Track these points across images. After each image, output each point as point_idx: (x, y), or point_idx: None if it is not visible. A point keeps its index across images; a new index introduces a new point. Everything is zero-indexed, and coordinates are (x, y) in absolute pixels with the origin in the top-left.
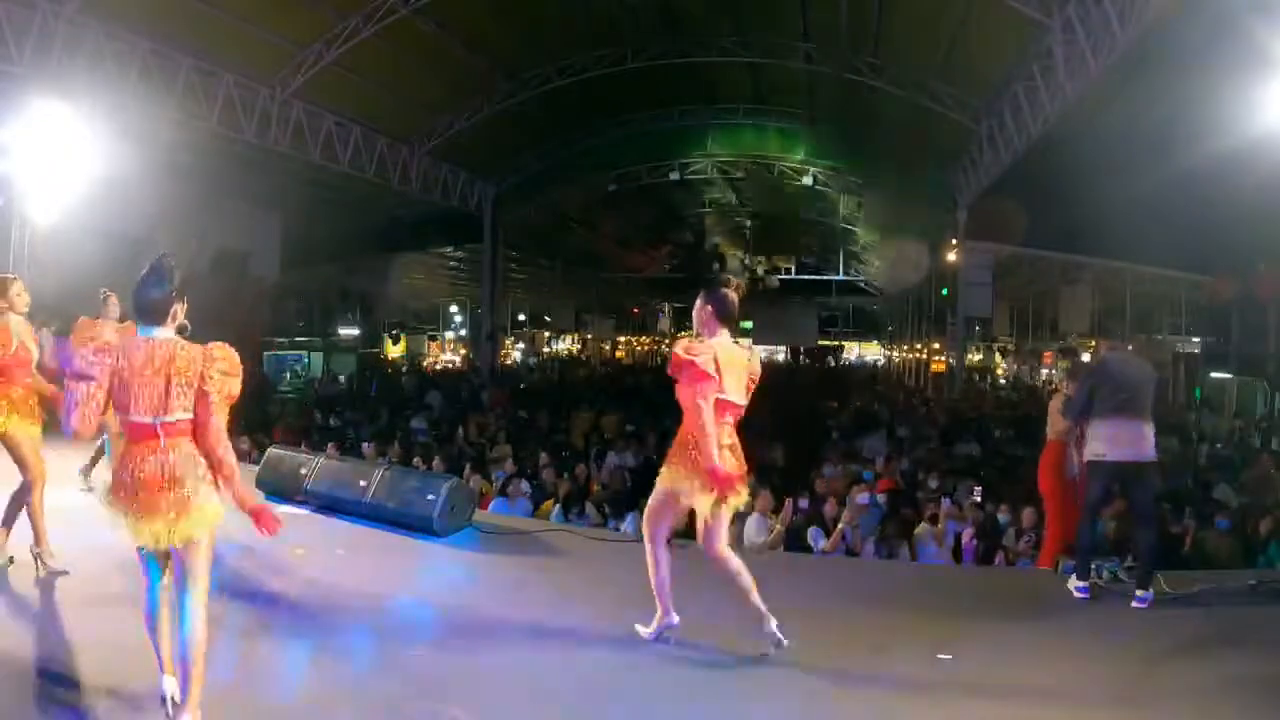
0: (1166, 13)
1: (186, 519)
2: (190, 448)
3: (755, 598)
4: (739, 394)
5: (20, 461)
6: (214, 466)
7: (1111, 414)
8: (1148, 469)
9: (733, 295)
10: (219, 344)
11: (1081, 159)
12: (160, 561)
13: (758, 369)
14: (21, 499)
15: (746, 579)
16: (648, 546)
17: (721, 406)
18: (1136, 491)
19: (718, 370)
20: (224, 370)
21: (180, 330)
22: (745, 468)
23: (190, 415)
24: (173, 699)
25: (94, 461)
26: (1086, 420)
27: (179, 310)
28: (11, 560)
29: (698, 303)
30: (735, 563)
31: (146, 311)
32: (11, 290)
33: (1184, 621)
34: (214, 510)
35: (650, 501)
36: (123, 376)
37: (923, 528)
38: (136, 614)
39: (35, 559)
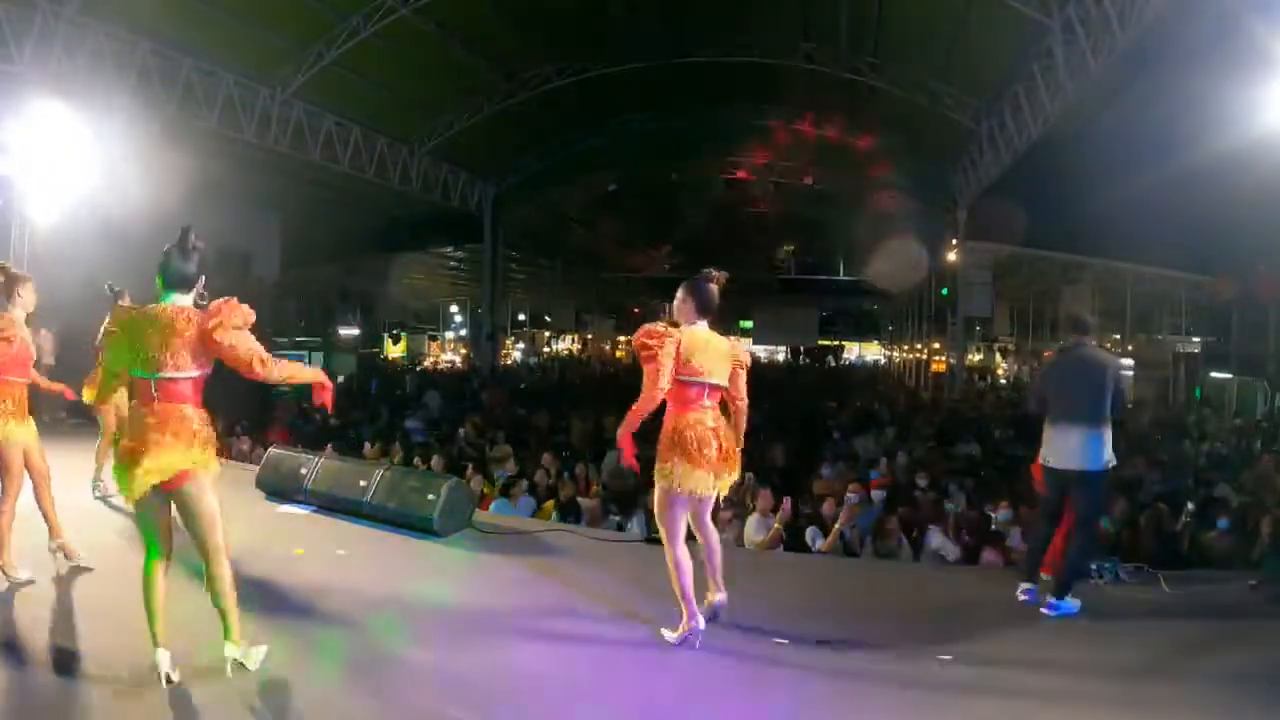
0: (1166, 12)
1: (167, 456)
2: (185, 409)
3: (716, 572)
4: (720, 376)
5: (5, 467)
6: (267, 379)
7: (1052, 420)
8: (1087, 478)
9: (712, 287)
10: (216, 302)
11: (1082, 159)
12: (157, 535)
13: (744, 356)
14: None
15: (718, 557)
16: (667, 550)
17: (698, 390)
18: (1075, 500)
19: (678, 354)
20: (224, 322)
21: (197, 302)
22: (731, 449)
23: (189, 374)
24: (167, 674)
25: (100, 465)
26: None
27: (202, 281)
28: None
29: (679, 293)
30: (714, 536)
31: (175, 282)
32: (24, 288)
33: (1184, 622)
34: (202, 456)
35: (655, 505)
36: (134, 331)
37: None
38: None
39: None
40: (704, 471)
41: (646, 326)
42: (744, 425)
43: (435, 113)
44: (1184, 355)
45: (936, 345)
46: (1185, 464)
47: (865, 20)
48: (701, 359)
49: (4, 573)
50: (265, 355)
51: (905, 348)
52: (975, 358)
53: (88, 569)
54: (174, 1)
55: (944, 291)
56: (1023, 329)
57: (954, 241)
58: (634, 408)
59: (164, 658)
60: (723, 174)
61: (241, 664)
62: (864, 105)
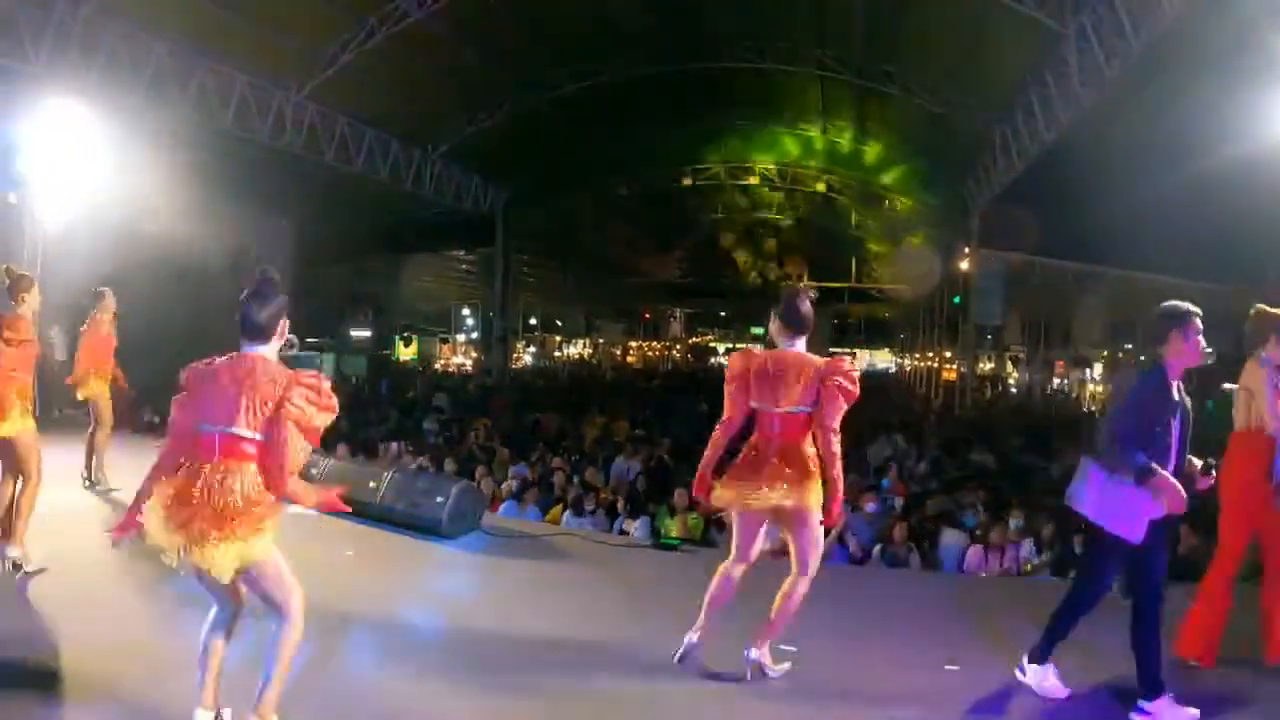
0: (1180, 19)
1: (228, 546)
2: (251, 471)
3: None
4: (790, 402)
5: (24, 463)
6: (281, 489)
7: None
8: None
9: (801, 301)
10: (314, 373)
11: (1095, 166)
12: (218, 591)
13: (841, 378)
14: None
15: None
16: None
17: (765, 415)
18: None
19: (742, 379)
20: (308, 398)
21: (285, 346)
22: (795, 465)
23: (257, 436)
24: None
25: (90, 458)
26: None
27: (284, 326)
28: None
29: (772, 313)
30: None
31: (254, 331)
32: (29, 289)
33: None
34: (261, 545)
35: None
36: (204, 387)
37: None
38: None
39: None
40: (729, 490)
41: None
42: (830, 455)
43: (448, 116)
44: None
45: (948, 353)
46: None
47: (879, 27)
48: (764, 388)
49: (18, 562)
50: (293, 470)
51: (917, 355)
52: (987, 365)
53: (42, 569)
54: (189, 3)
55: (956, 299)
56: (1034, 337)
57: (966, 249)
58: (710, 440)
59: (203, 718)
60: (734, 180)
61: None
62: (877, 112)
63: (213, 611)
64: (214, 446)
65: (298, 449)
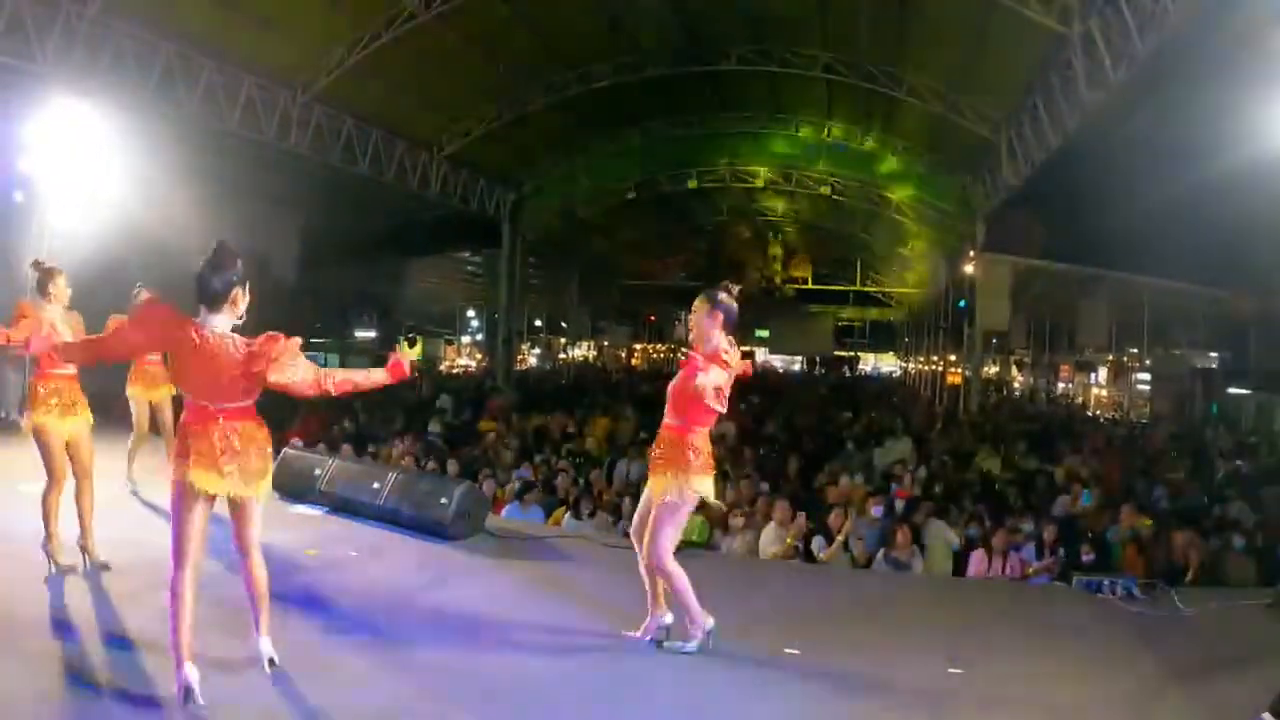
0: (1187, 24)
1: (245, 477)
2: (250, 425)
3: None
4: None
5: (46, 456)
6: (328, 393)
7: None
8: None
9: (732, 303)
10: (259, 338)
11: (1100, 171)
12: (198, 526)
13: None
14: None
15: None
16: (669, 563)
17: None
18: None
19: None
20: (267, 354)
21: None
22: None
23: (247, 401)
24: (187, 689)
25: (131, 459)
26: None
27: (238, 295)
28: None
29: (702, 307)
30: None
31: (210, 299)
32: (57, 281)
33: (1198, 640)
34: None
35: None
36: (185, 359)
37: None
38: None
39: (48, 556)
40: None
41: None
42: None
43: (455, 118)
44: (1202, 370)
45: (952, 357)
46: (1202, 481)
47: (885, 30)
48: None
49: (52, 559)
50: (321, 374)
51: (921, 359)
52: (991, 370)
53: (72, 568)
54: (196, 3)
55: (961, 303)
56: (1039, 342)
57: (971, 253)
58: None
59: (192, 671)
60: (740, 182)
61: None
62: (883, 115)
63: (188, 568)
64: (215, 415)
65: (301, 371)
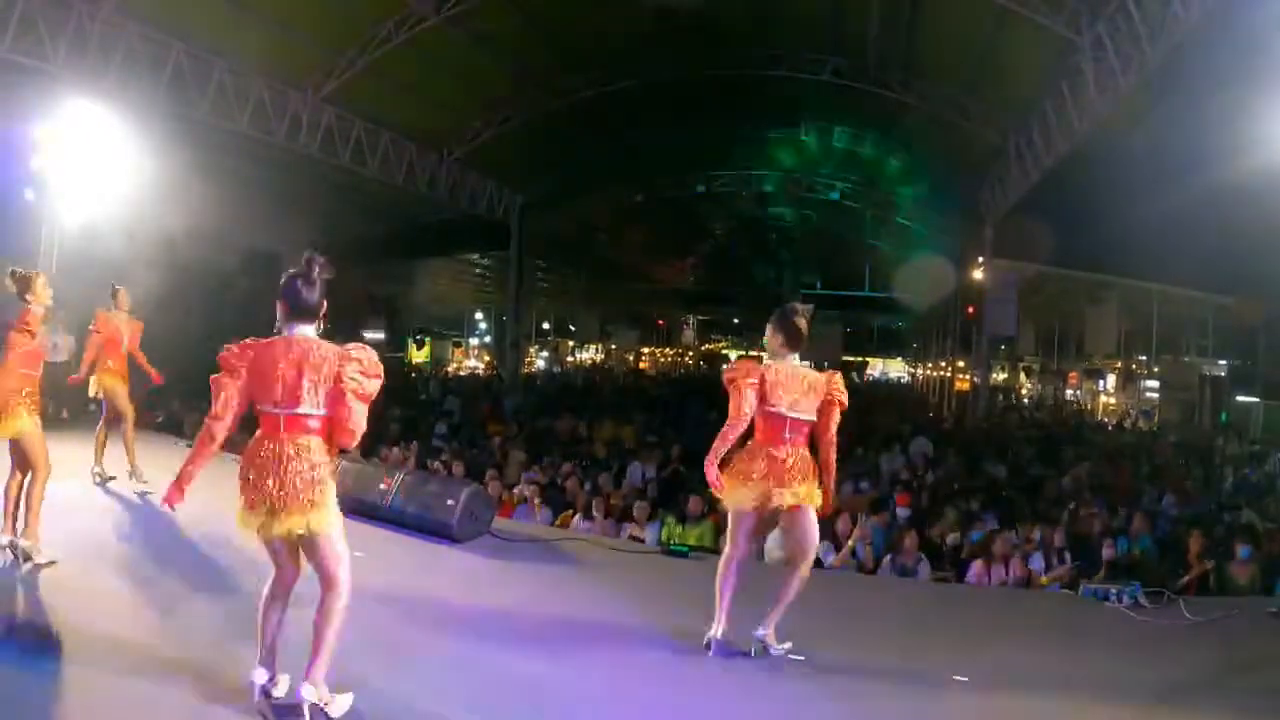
0: (1196, 31)
1: (296, 513)
2: (316, 444)
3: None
4: (802, 410)
5: (32, 458)
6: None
7: None
8: None
9: (799, 321)
10: (358, 345)
11: (1109, 177)
12: (280, 554)
13: (829, 388)
14: (19, 493)
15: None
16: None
17: (779, 421)
18: None
19: (762, 387)
20: (361, 370)
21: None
22: (799, 466)
23: (320, 412)
24: (261, 687)
25: (100, 452)
26: None
27: (325, 307)
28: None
29: (769, 328)
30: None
31: (303, 311)
32: (36, 284)
33: (1203, 648)
34: (329, 513)
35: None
36: (261, 370)
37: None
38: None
39: (15, 551)
40: (746, 488)
41: (734, 360)
42: (830, 460)
43: (464, 121)
44: (1210, 378)
45: (961, 363)
46: (1210, 489)
47: (894, 36)
48: (785, 393)
49: (30, 554)
50: (361, 431)
51: (929, 365)
52: (999, 376)
53: (53, 562)
54: (208, 5)
55: (970, 309)
56: (1047, 348)
57: (980, 259)
58: (719, 435)
59: (260, 675)
60: (748, 187)
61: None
62: (891, 121)
63: (270, 581)
64: (279, 424)
65: (360, 415)
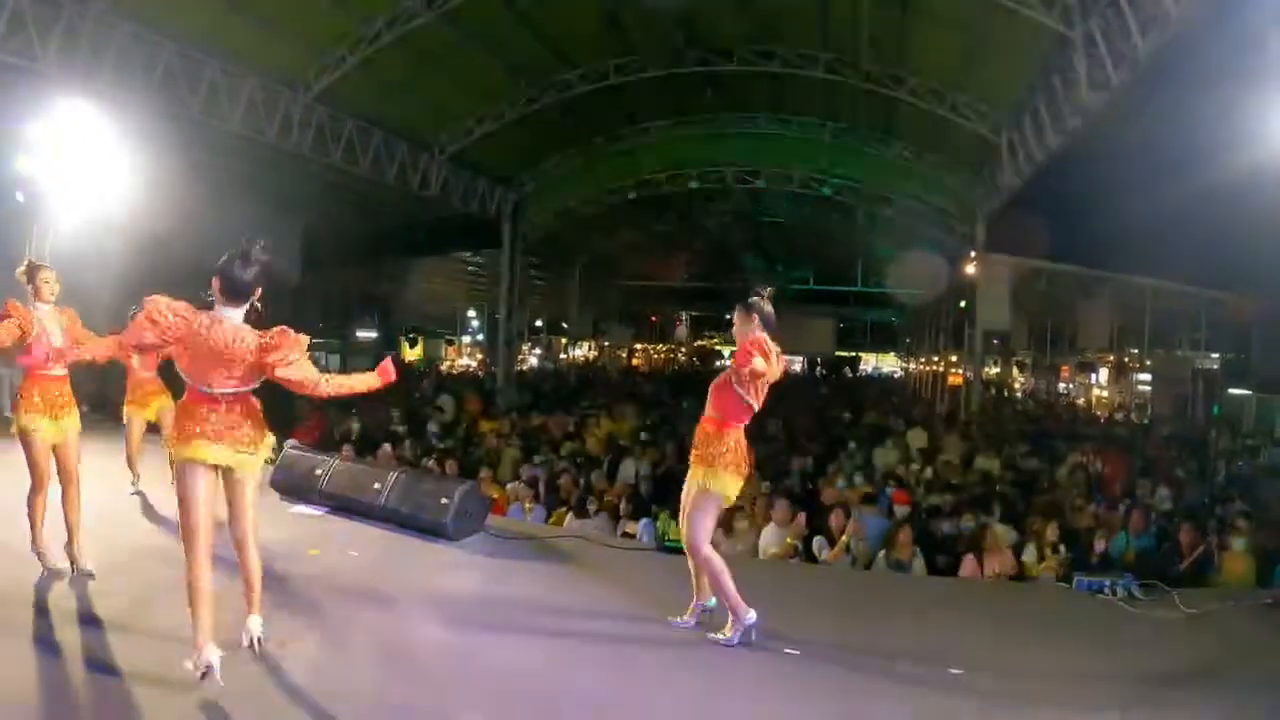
0: (1189, 26)
1: (242, 444)
2: (248, 404)
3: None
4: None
5: (30, 460)
6: (324, 395)
7: None
8: None
9: (765, 305)
10: (279, 330)
11: (1102, 172)
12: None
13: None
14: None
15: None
16: (708, 554)
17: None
18: None
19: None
20: (280, 348)
21: (250, 312)
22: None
23: (247, 387)
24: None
25: (131, 459)
26: None
27: (259, 292)
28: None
29: (740, 314)
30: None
31: (234, 293)
32: (43, 278)
33: (1199, 641)
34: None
35: (705, 511)
36: (195, 348)
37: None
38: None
39: (39, 557)
40: (739, 480)
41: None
42: None
43: (456, 118)
44: (1203, 372)
45: (954, 358)
46: (1203, 482)
47: (886, 31)
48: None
49: (40, 558)
50: (320, 377)
51: (922, 360)
52: (992, 371)
53: (60, 571)
54: (199, 3)
55: (962, 304)
56: (1040, 343)
57: (972, 254)
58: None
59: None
60: (741, 183)
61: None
62: (883, 116)
63: (202, 552)
64: (218, 400)
65: (299, 378)
